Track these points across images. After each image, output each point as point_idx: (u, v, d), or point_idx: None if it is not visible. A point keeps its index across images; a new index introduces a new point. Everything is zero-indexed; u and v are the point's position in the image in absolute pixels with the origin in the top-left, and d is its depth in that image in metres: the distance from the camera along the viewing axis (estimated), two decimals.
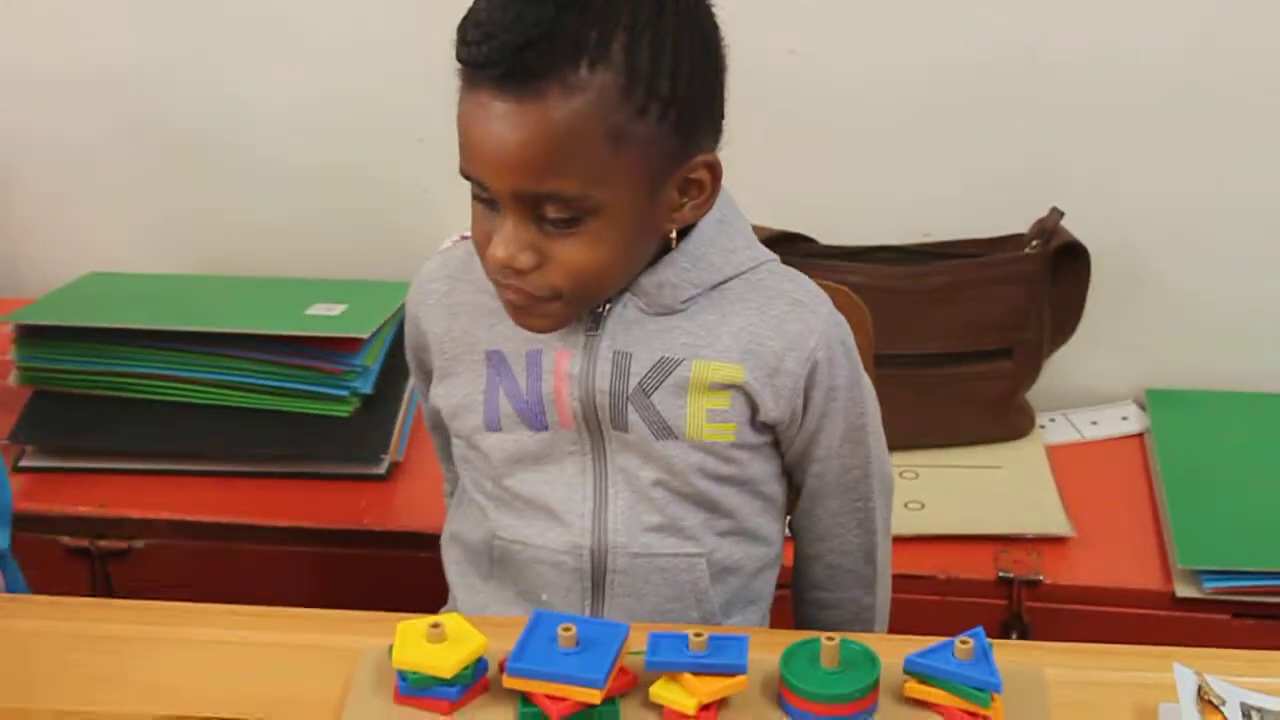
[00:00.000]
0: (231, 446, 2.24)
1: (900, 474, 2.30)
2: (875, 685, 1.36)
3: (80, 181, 2.62)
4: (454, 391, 1.57)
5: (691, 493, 1.54)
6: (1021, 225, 2.38)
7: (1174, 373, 2.50)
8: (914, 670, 1.37)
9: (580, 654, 1.36)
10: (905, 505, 2.26)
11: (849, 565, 1.66)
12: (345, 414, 2.24)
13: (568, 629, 1.37)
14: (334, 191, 2.57)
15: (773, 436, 1.57)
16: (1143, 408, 2.47)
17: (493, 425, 1.54)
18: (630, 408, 1.50)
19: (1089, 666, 1.46)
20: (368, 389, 2.25)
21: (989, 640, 1.38)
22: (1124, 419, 2.46)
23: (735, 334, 1.50)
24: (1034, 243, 2.35)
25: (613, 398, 1.50)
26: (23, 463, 2.23)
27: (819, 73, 2.41)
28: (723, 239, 1.52)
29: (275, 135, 2.57)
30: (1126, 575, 2.14)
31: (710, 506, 1.55)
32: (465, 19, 1.39)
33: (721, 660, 1.36)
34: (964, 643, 1.36)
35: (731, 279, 1.52)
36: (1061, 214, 2.34)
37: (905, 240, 2.41)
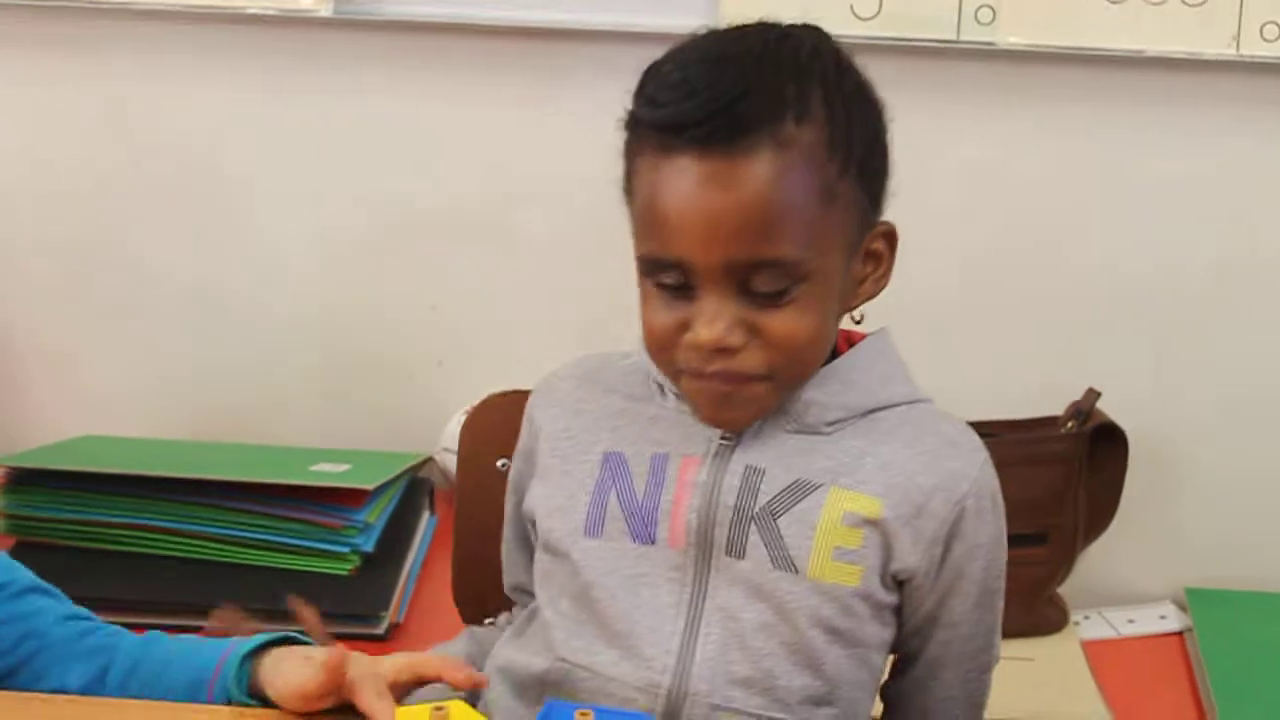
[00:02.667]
0: (223, 601, 2.11)
1: None
2: None
3: (80, 348, 2.56)
4: (555, 491, 1.44)
5: (798, 642, 1.37)
6: (1056, 409, 2.30)
7: (1212, 572, 2.40)
8: None
9: None
10: None
11: None
12: (345, 572, 2.13)
13: (585, 715, 1.24)
14: (345, 365, 2.51)
15: (899, 598, 1.42)
16: (1181, 607, 2.36)
17: (593, 530, 1.41)
18: (753, 528, 1.37)
19: None
20: (369, 547, 2.15)
21: None
22: (1162, 618, 2.36)
23: (881, 466, 1.38)
24: (1070, 424, 2.27)
25: (737, 514, 1.37)
26: None
27: None
28: (879, 367, 1.43)
29: (284, 303, 2.52)
30: None
31: (813, 666, 1.38)
32: (648, 85, 1.32)
33: None
34: None
35: (884, 409, 1.41)
36: (1098, 394, 2.26)
37: None
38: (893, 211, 2.31)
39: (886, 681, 1.49)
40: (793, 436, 1.39)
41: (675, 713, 1.38)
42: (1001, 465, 2.23)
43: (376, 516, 2.18)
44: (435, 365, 2.46)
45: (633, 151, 1.33)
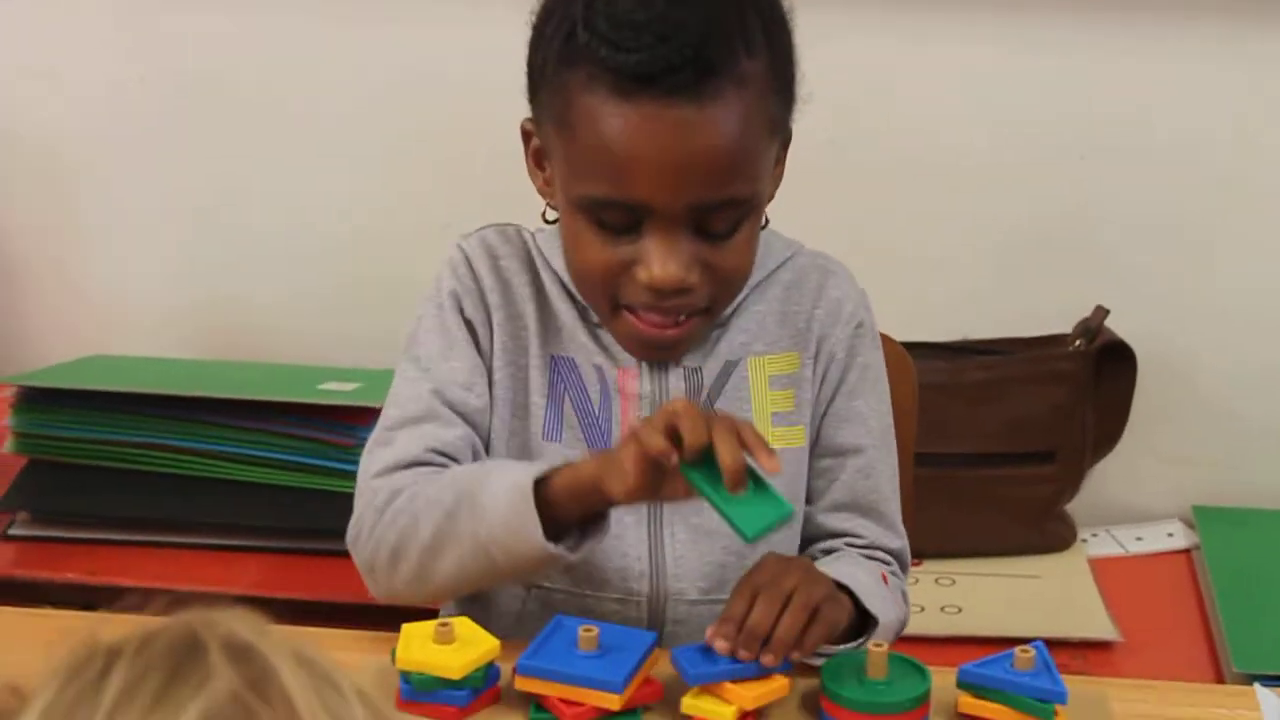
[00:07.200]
0: (232, 520, 2.13)
1: (935, 580, 2.19)
2: (925, 698, 1.24)
3: (90, 267, 2.55)
4: (508, 392, 1.41)
5: None
6: (1065, 327, 2.29)
7: (1220, 489, 2.38)
8: (969, 682, 1.25)
9: (601, 657, 1.25)
10: (942, 609, 2.13)
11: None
12: (353, 490, 2.12)
13: (589, 630, 1.25)
14: (354, 283, 2.50)
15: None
16: (1189, 525, 2.36)
17: (551, 434, 1.40)
18: None
19: (1156, 701, 1.33)
20: None
21: None
22: (1169, 535, 2.35)
23: (779, 320, 1.42)
24: (1078, 342, 2.26)
25: None
26: (12, 531, 2.12)
27: (860, 164, 2.34)
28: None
29: (294, 222, 2.50)
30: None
31: None
32: (598, 21, 1.24)
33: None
34: (1024, 651, 1.24)
35: (772, 272, 1.43)
36: (1106, 312, 2.25)
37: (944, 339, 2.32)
38: (903, 111, 2.29)
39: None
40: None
41: (657, 615, 1.40)
42: (1009, 383, 2.26)
43: None
44: None
45: (574, 85, 1.26)
